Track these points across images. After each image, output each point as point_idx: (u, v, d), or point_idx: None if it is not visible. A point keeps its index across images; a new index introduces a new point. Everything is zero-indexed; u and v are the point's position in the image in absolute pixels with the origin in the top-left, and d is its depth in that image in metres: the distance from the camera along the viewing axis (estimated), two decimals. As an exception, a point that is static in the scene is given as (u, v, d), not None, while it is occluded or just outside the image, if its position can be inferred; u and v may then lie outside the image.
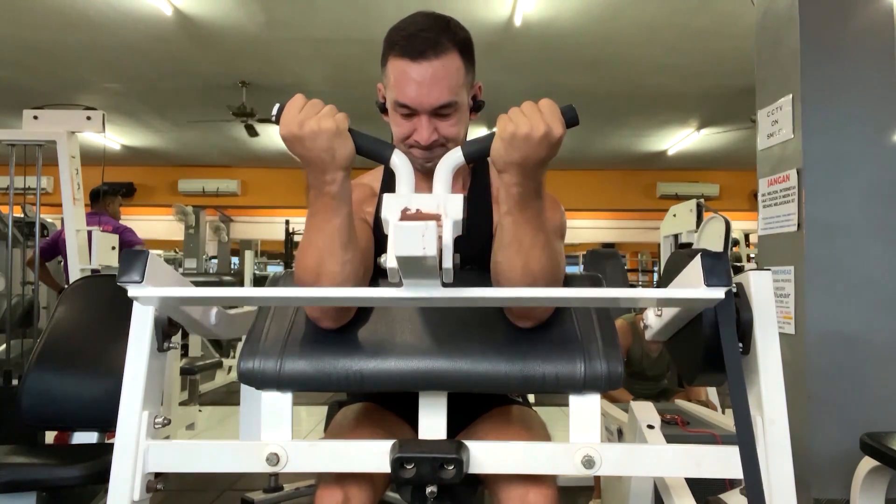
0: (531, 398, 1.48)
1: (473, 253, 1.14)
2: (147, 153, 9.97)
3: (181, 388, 4.45)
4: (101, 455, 1.57)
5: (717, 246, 4.01)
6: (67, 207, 3.56)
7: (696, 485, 1.09)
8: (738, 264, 6.57)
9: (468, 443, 0.93)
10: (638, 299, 1.04)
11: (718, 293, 0.84)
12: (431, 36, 1.07)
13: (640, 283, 11.52)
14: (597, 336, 1.03)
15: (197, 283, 1.09)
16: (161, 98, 7.35)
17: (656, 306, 1.05)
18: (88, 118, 3.56)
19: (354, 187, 1.23)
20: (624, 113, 7.81)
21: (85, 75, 6.57)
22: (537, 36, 5.49)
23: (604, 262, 4.18)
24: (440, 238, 0.76)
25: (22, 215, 3.93)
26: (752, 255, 7.18)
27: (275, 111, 0.92)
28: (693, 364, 1.01)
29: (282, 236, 8.93)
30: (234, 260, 11.29)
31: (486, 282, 1.07)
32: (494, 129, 0.90)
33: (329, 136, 0.89)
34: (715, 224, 4.21)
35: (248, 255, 6.29)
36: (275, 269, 11.37)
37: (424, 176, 1.17)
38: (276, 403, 1.00)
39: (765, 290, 0.95)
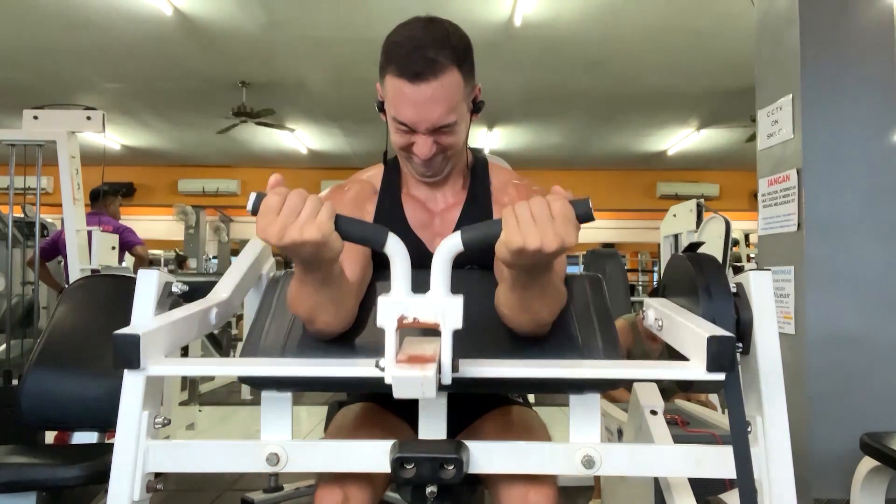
0: (531, 398, 1.48)
1: (474, 254, 1.14)
2: (147, 153, 9.97)
3: (181, 388, 4.45)
4: (101, 455, 1.57)
5: (717, 246, 4.01)
6: (67, 207, 3.56)
7: (696, 485, 1.09)
8: (738, 264, 6.58)
9: (468, 443, 0.93)
10: (639, 379, 1.01)
11: (720, 376, 0.82)
12: (430, 55, 1.03)
13: (640, 283, 11.52)
14: (597, 336, 1.03)
15: (196, 283, 1.09)
16: (161, 98, 7.35)
17: (657, 383, 1.05)
18: (88, 118, 3.56)
19: (354, 183, 1.25)
20: (624, 113, 7.81)
21: (85, 75, 6.57)
22: (537, 36, 5.49)
23: (604, 262, 4.18)
24: (439, 357, 0.77)
25: (22, 215, 3.94)
26: (752, 255, 7.18)
27: (250, 204, 0.81)
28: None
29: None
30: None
31: (487, 284, 1.07)
32: (499, 220, 0.82)
33: (313, 245, 0.81)
34: (715, 224, 4.21)
35: (248, 255, 6.27)
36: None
37: (424, 181, 1.19)
38: (276, 403, 1.00)
39: (765, 290, 0.95)
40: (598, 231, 11.44)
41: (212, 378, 5.73)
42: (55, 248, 4.12)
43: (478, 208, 1.20)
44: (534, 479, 1.00)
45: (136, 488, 0.94)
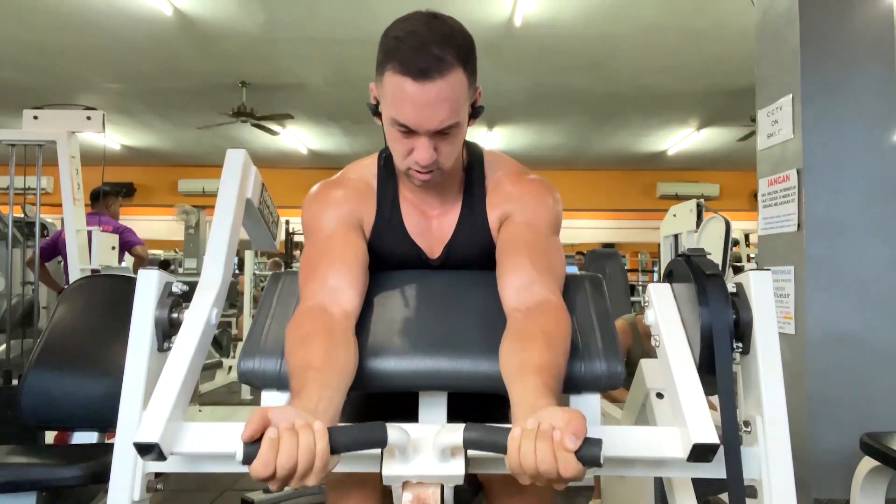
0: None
1: (472, 253, 1.17)
2: (147, 153, 9.97)
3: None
4: (101, 455, 1.57)
5: (717, 246, 4.01)
6: (67, 207, 3.56)
7: (695, 484, 1.09)
8: (739, 264, 6.57)
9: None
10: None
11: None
12: (435, 52, 0.96)
13: (640, 283, 11.52)
14: (596, 336, 1.03)
15: (196, 283, 1.09)
16: (161, 98, 7.35)
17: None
18: (88, 118, 3.56)
19: (347, 182, 1.17)
20: (624, 113, 7.81)
21: (85, 75, 6.57)
22: (537, 36, 5.48)
23: (604, 262, 4.18)
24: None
25: (22, 215, 3.93)
26: (752, 255, 7.18)
27: (239, 456, 0.73)
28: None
29: (282, 236, 8.94)
30: (235, 260, 11.28)
31: (487, 284, 1.07)
32: (506, 432, 0.76)
33: (314, 482, 0.75)
34: (715, 224, 4.20)
35: (248, 255, 6.27)
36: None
37: (420, 189, 1.15)
38: (276, 403, 1.00)
39: (765, 290, 0.96)
40: (597, 231, 11.45)
41: (212, 378, 5.74)
42: (55, 248, 4.12)
43: (473, 214, 1.16)
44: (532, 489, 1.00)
45: (136, 488, 0.94)
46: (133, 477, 0.94)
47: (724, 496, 1.46)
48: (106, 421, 1.71)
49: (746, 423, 0.95)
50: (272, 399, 1.01)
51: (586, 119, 8.14)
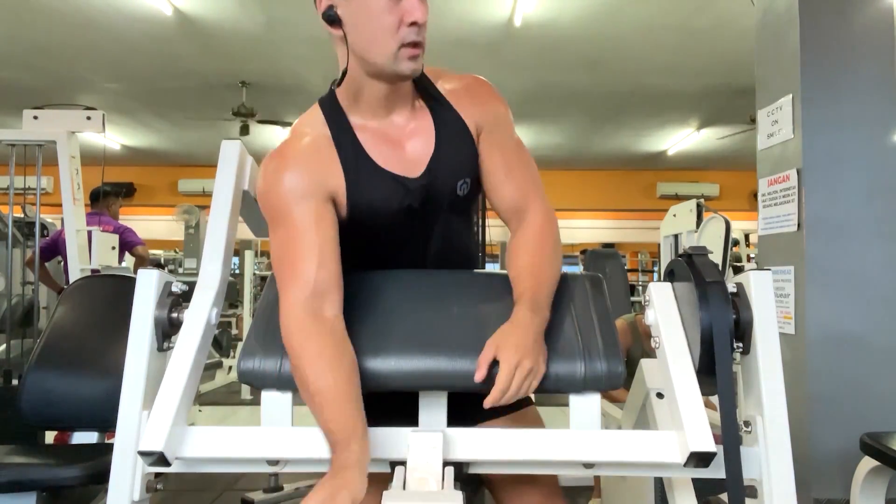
0: (531, 397, 1.48)
1: (459, 162, 1.12)
2: (147, 153, 9.97)
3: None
4: (101, 455, 1.57)
5: (717, 246, 4.01)
6: (67, 207, 3.56)
7: (696, 484, 1.09)
8: (739, 264, 6.57)
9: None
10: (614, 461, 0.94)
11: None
12: None
13: (640, 283, 11.52)
14: (597, 336, 1.03)
15: (195, 283, 1.09)
16: (161, 98, 7.35)
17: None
18: (88, 118, 3.56)
19: (298, 148, 1.08)
20: (624, 113, 7.81)
21: (85, 75, 6.57)
22: (537, 36, 5.48)
23: (604, 262, 4.18)
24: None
25: (22, 215, 3.93)
26: (752, 255, 7.18)
27: None
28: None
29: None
30: (235, 260, 11.29)
31: (492, 285, 1.07)
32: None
33: None
34: (715, 224, 4.20)
35: (248, 255, 6.27)
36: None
37: (383, 97, 1.08)
38: (276, 403, 1.00)
39: (765, 289, 0.96)
40: (597, 231, 11.45)
41: (212, 378, 5.73)
42: (55, 248, 4.12)
43: (449, 124, 1.11)
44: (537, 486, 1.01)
45: (136, 488, 0.94)
46: (133, 477, 0.94)
47: (725, 496, 1.45)
48: (106, 421, 1.71)
49: (747, 423, 0.95)
50: (272, 399, 1.01)
51: (586, 119, 8.14)
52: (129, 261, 4.66)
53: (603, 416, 2.32)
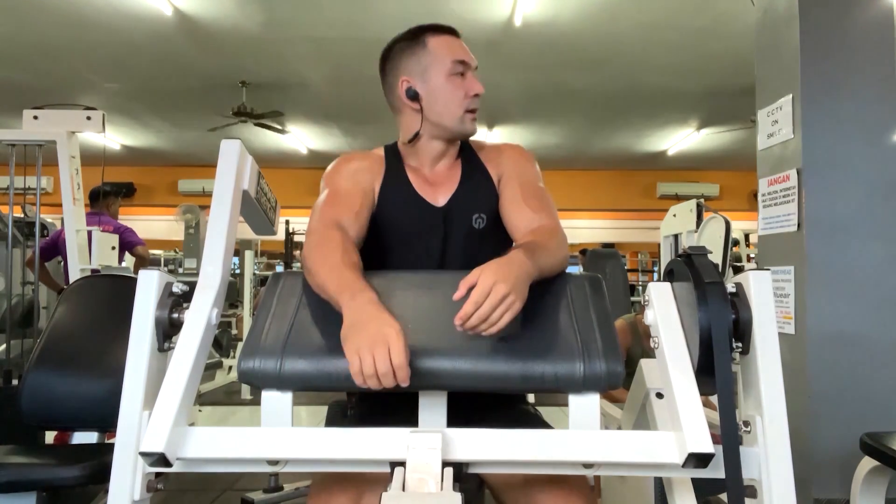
0: (531, 398, 1.48)
1: (477, 198, 1.33)
2: (147, 153, 9.97)
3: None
4: (101, 455, 1.57)
5: (717, 246, 4.01)
6: (67, 207, 3.56)
7: (696, 484, 1.09)
8: (739, 264, 6.57)
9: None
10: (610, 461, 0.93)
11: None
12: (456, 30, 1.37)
13: (640, 283, 11.52)
14: (596, 336, 1.03)
15: (195, 283, 1.09)
16: (161, 98, 7.35)
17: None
18: (88, 118, 3.56)
19: (360, 155, 1.39)
20: (624, 113, 7.81)
21: (85, 75, 6.57)
22: (537, 36, 5.48)
23: (604, 262, 4.18)
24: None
25: (22, 215, 3.93)
26: (752, 255, 7.18)
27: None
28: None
29: (282, 236, 8.93)
30: (235, 260, 11.29)
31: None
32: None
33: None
34: (715, 224, 4.20)
35: (248, 255, 6.27)
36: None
37: (436, 154, 1.36)
38: (276, 403, 1.00)
39: (764, 289, 0.96)
40: (597, 231, 11.45)
41: (212, 378, 5.74)
42: (55, 248, 4.12)
43: (474, 171, 1.37)
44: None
45: (136, 488, 0.94)
46: (133, 477, 0.94)
47: (725, 496, 1.45)
48: (106, 421, 1.71)
49: (746, 423, 0.95)
50: (272, 399, 1.01)
51: (586, 119, 8.14)
52: (129, 261, 4.66)
53: (603, 416, 2.33)
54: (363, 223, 1.27)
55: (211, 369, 5.77)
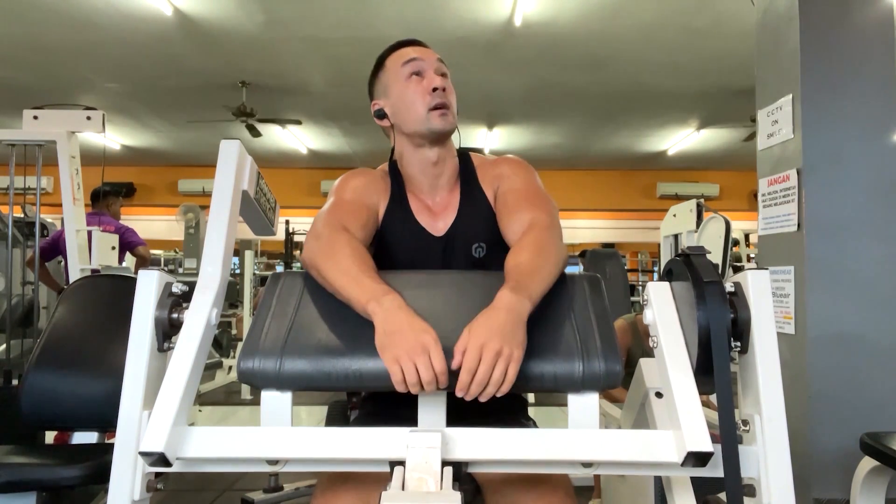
0: (531, 398, 1.48)
1: (476, 224, 1.32)
2: (147, 153, 9.98)
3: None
4: (101, 455, 1.57)
5: (717, 246, 4.01)
6: (67, 207, 3.56)
7: (696, 483, 1.09)
8: (739, 264, 6.58)
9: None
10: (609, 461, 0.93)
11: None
12: (421, 42, 1.35)
13: (640, 283, 11.52)
14: (595, 335, 1.03)
15: (195, 283, 1.09)
16: (161, 98, 7.35)
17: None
18: (88, 118, 3.56)
19: (367, 172, 1.38)
20: (624, 113, 7.81)
21: (85, 75, 6.57)
22: (537, 36, 5.49)
23: (604, 262, 4.18)
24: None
25: (22, 215, 3.93)
26: (752, 255, 7.18)
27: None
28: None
29: (282, 236, 8.93)
30: (235, 260, 11.29)
31: (489, 285, 1.07)
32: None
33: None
34: (715, 224, 4.20)
35: (248, 255, 6.28)
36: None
37: (427, 175, 1.34)
38: (276, 403, 1.00)
39: (762, 289, 0.96)
40: (597, 231, 11.45)
41: (212, 378, 5.74)
42: (55, 248, 4.12)
43: (471, 192, 1.35)
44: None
45: (136, 488, 0.94)
46: (133, 477, 0.94)
47: (724, 495, 1.46)
48: (106, 421, 1.71)
49: (745, 422, 0.95)
50: (272, 399, 1.01)
51: (586, 119, 8.14)
52: (129, 261, 4.67)
53: (602, 416, 2.33)
54: (368, 235, 1.25)
55: (211, 369, 5.77)
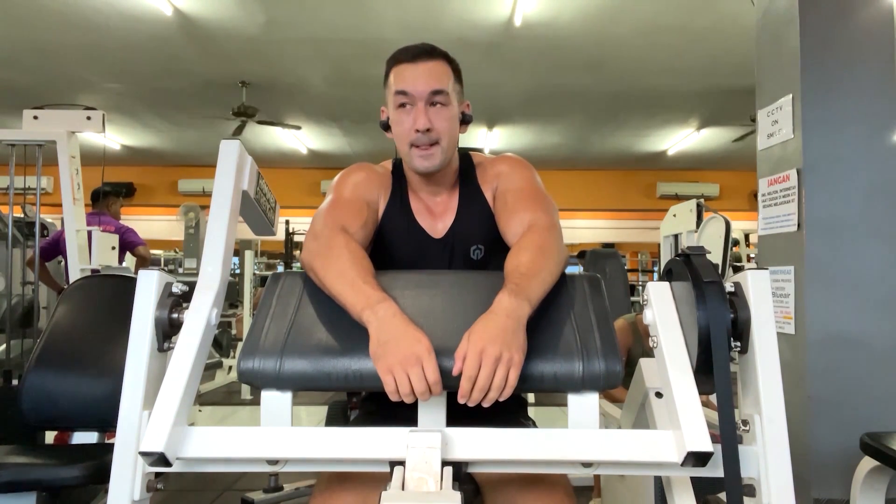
0: (531, 398, 1.48)
1: (474, 225, 1.32)
2: (147, 153, 9.97)
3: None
4: (101, 455, 1.57)
5: (717, 246, 4.01)
6: (67, 207, 3.56)
7: (696, 482, 1.09)
8: (739, 264, 6.58)
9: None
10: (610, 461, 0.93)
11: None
12: (426, 48, 1.26)
13: (640, 283, 11.52)
14: (595, 335, 1.03)
15: (195, 283, 1.09)
16: (161, 98, 7.35)
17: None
18: (88, 118, 3.56)
19: (370, 168, 1.37)
20: (624, 113, 7.81)
21: (85, 75, 6.57)
22: (537, 36, 5.49)
23: (604, 262, 4.18)
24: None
25: (22, 215, 3.93)
26: (752, 255, 7.18)
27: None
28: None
29: (282, 236, 8.93)
30: (235, 260, 11.29)
31: (489, 285, 1.07)
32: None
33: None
34: (715, 224, 4.21)
35: (248, 255, 6.28)
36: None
37: (427, 178, 1.32)
38: (276, 403, 1.01)
39: (762, 289, 0.96)
40: (597, 231, 11.45)
41: (212, 378, 5.74)
42: (55, 248, 4.12)
43: (470, 194, 1.34)
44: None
45: (136, 488, 0.94)
46: (133, 477, 0.94)
47: (724, 495, 1.46)
48: (106, 421, 1.71)
49: (745, 422, 0.96)
50: (272, 399, 1.01)
51: (586, 119, 8.14)
52: (129, 261, 4.67)
53: (602, 416, 2.33)
54: (368, 234, 1.25)
55: (211, 369, 5.77)
